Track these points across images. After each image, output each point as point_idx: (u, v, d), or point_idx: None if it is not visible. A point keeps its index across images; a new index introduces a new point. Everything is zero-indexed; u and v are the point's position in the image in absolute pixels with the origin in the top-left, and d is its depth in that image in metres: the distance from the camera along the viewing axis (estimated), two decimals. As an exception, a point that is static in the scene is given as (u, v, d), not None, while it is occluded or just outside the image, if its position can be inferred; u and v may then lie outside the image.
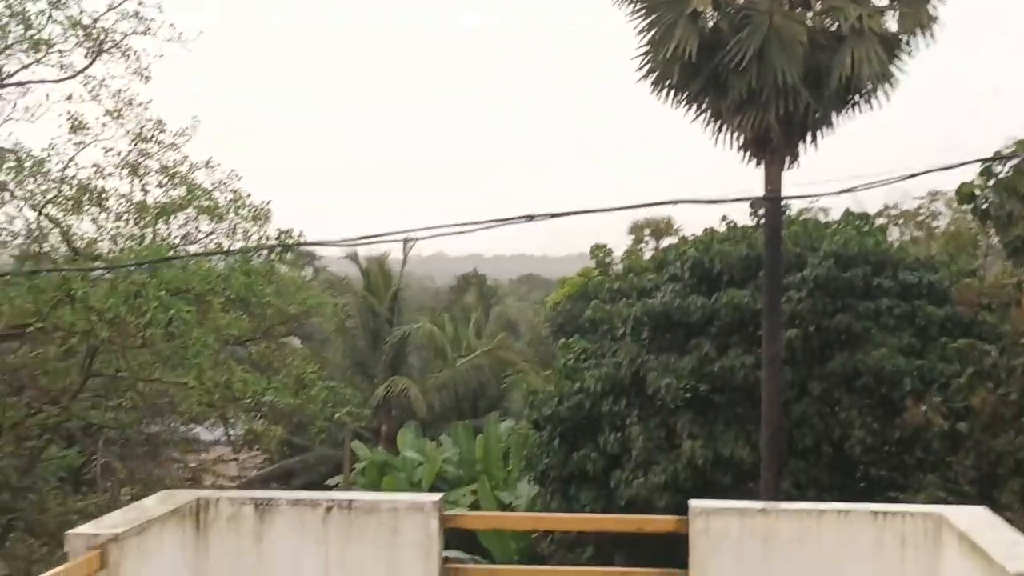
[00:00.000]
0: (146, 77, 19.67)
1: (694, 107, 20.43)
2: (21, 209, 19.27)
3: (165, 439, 26.94)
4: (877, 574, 6.14)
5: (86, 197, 19.15)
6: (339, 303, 29.43)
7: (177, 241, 19.73)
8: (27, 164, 18.77)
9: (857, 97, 19.85)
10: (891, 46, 19.58)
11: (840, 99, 19.73)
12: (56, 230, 19.38)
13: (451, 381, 42.54)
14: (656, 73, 20.07)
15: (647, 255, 36.86)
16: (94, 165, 19.53)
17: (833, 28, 19.75)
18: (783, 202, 21.87)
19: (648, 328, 23.51)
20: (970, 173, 18.38)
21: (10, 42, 18.68)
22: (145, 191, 19.78)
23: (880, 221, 29.41)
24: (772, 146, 19.73)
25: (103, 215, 19.43)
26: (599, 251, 36.73)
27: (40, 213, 19.15)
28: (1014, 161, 17.53)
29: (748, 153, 20.13)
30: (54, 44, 18.99)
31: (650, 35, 19.91)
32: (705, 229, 25.76)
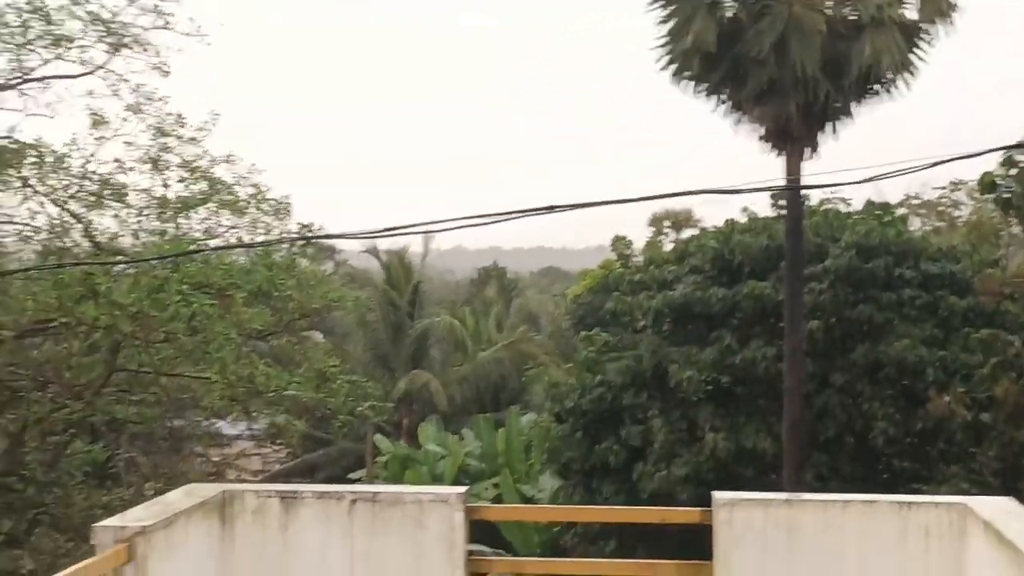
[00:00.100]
0: (165, 72, 19.74)
1: (714, 98, 20.41)
2: (43, 204, 19.35)
3: (188, 434, 27.03)
4: (902, 565, 6.12)
5: (108, 192, 19.23)
6: (360, 297, 29.47)
7: (199, 235, 19.79)
8: (49, 159, 18.85)
9: (877, 86, 19.79)
10: (911, 35, 19.52)
11: (860, 88, 19.69)
12: (78, 225, 19.46)
13: (472, 374, 42.60)
14: (675, 65, 20.05)
15: (668, 247, 36.78)
16: (115, 160, 19.60)
17: (853, 17, 19.69)
18: (804, 192, 21.82)
19: (669, 320, 23.50)
20: (992, 162, 18.32)
21: (31, 38, 18.74)
22: (166, 185, 19.85)
23: (901, 211, 29.27)
24: (792, 136, 19.68)
25: (125, 210, 19.52)
26: (620, 243, 36.69)
27: (62, 208, 19.23)
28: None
29: (768, 144, 20.10)
30: (74, 40, 19.06)
31: (669, 26, 19.89)
32: (726, 220, 25.73)
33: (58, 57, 19.17)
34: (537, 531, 28.99)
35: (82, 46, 19.21)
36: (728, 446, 21.67)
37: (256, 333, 20.44)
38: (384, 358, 43.15)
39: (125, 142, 19.65)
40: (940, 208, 41.86)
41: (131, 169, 19.68)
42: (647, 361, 23.35)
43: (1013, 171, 18.01)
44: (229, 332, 17.75)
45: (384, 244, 47.32)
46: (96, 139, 19.49)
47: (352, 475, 37.41)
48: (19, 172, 18.81)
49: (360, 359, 42.33)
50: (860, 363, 22.00)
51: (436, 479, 32.55)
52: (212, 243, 19.65)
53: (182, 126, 19.82)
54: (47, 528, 20.06)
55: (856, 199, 30.54)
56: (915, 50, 19.60)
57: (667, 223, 49.31)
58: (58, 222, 19.44)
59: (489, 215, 9.36)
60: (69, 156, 19.04)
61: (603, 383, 23.83)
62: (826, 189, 28.15)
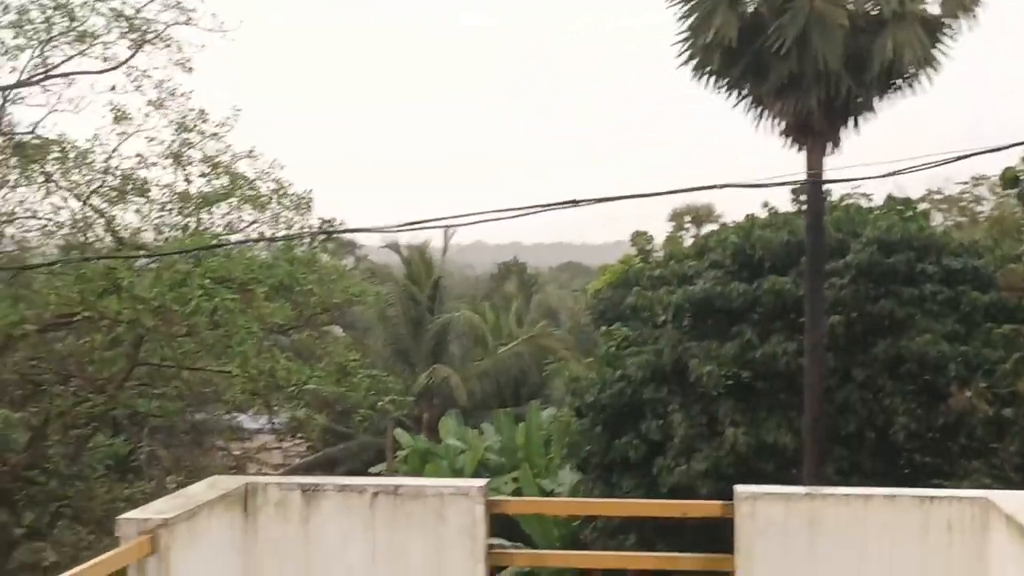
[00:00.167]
0: (188, 68, 19.82)
1: (734, 93, 20.37)
2: (66, 200, 19.48)
3: (210, 427, 27.17)
4: (924, 558, 6.11)
5: (130, 187, 19.34)
6: (381, 291, 29.53)
7: (221, 230, 19.88)
8: (72, 155, 18.97)
9: (899, 81, 19.72)
10: (933, 29, 19.44)
11: (882, 83, 19.61)
12: (101, 220, 19.57)
13: (492, 369, 42.63)
14: (696, 59, 20.02)
15: (688, 242, 36.72)
16: (137, 155, 19.71)
17: (875, 12, 19.62)
18: (825, 187, 21.76)
19: (689, 315, 23.45)
20: (1014, 157, 18.25)
21: (55, 34, 18.85)
22: (188, 181, 19.94)
23: (923, 206, 29.14)
24: (814, 131, 19.63)
25: (147, 205, 19.62)
26: (640, 238, 36.62)
27: (85, 203, 19.34)
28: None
29: (790, 139, 20.05)
30: (98, 36, 19.16)
31: (690, 21, 19.86)
32: (746, 215, 25.66)
33: (81, 53, 19.29)
34: (557, 525, 28.98)
35: (105, 42, 19.34)
36: (748, 441, 21.62)
37: (277, 327, 20.53)
38: (404, 353, 43.21)
39: (147, 137, 19.77)
40: (962, 203, 41.66)
41: (153, 164, 19.81)
42: (667, 356, 23.32)
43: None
44: (251, 326, 17.84)
45: (404, 239, 47.45)
46: (119, 134, 19.62)
47: (372, 469, 37.49)
48: (42, 167, 18.93)
49: (380, 354, 42.43)
50: (881, 358, 21.92)
51: (456, 473, 32.56)
52: (234, 238, 19.73)
53: (204, 121, 19.92)
54: (69, 521, 20.22)
55: (877, 194, 30.43)
56: (937, 45, 19.51)
57: (687, 218, 49.23)
58: (81, 217, 19.57)
59: (511, 209, 9.38)
60: (92, 151, 19.17)
61: (623, 378, 23.79)
62: (847, 184, 28.04)
